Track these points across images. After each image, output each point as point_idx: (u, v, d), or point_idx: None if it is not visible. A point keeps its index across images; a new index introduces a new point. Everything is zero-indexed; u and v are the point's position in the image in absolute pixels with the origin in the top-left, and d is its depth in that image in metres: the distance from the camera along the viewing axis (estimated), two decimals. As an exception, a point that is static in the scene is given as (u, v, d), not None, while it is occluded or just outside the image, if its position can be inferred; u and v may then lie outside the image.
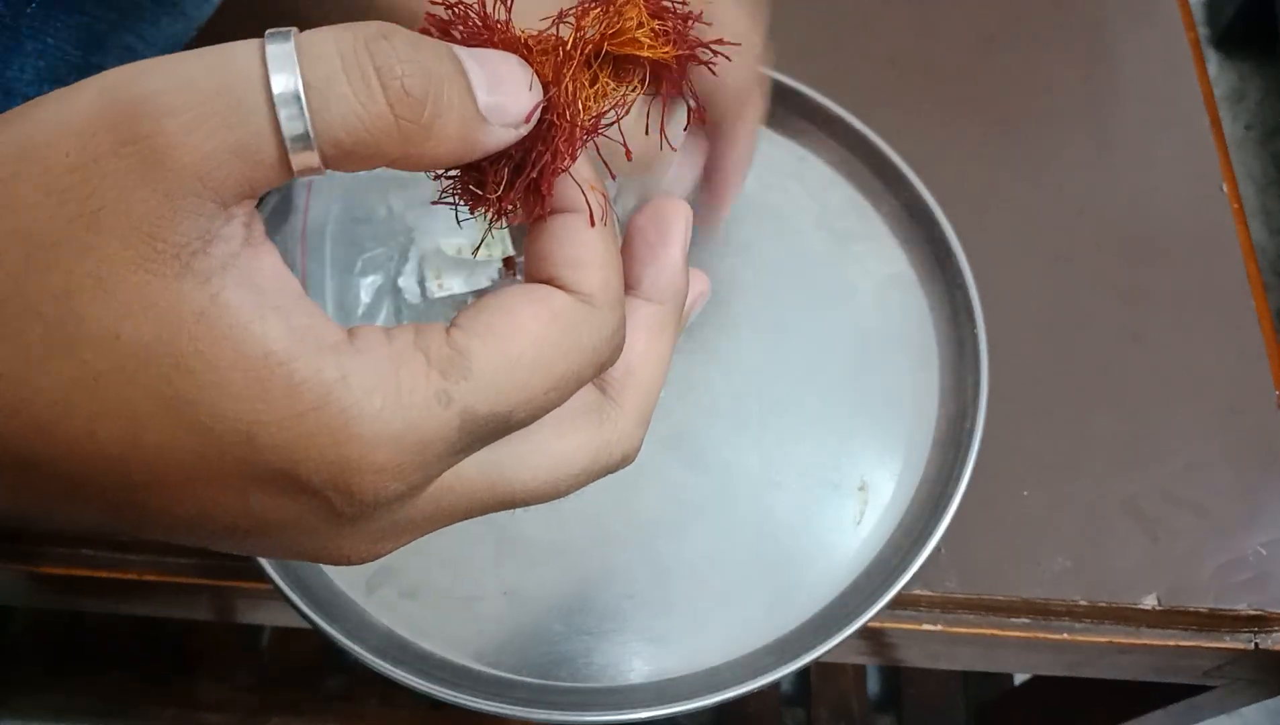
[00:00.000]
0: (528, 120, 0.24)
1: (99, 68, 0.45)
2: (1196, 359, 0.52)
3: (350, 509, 0.23)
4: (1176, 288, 0.54)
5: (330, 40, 0.22)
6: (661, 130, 0.28)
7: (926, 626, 0.46)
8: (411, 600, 0.45)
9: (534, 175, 0.25)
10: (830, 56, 0.61)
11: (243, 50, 0.22)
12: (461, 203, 0.26)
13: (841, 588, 0.45)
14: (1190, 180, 0.57)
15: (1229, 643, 0.46)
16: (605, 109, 0.26)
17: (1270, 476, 0.49)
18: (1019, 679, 0.90)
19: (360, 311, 0.51)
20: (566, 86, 0.25)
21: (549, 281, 0.25)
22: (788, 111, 0.56)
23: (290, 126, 0.21)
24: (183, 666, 0.93)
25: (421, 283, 0.51)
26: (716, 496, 0.47)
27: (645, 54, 0.26)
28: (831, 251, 0.53)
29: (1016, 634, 0.46)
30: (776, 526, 0.47)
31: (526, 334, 0.24)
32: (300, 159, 0.22)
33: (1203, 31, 1.66)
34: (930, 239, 0.52)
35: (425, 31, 0.25)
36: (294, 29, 0.22)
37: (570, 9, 0.26)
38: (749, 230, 0.54)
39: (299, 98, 0.21)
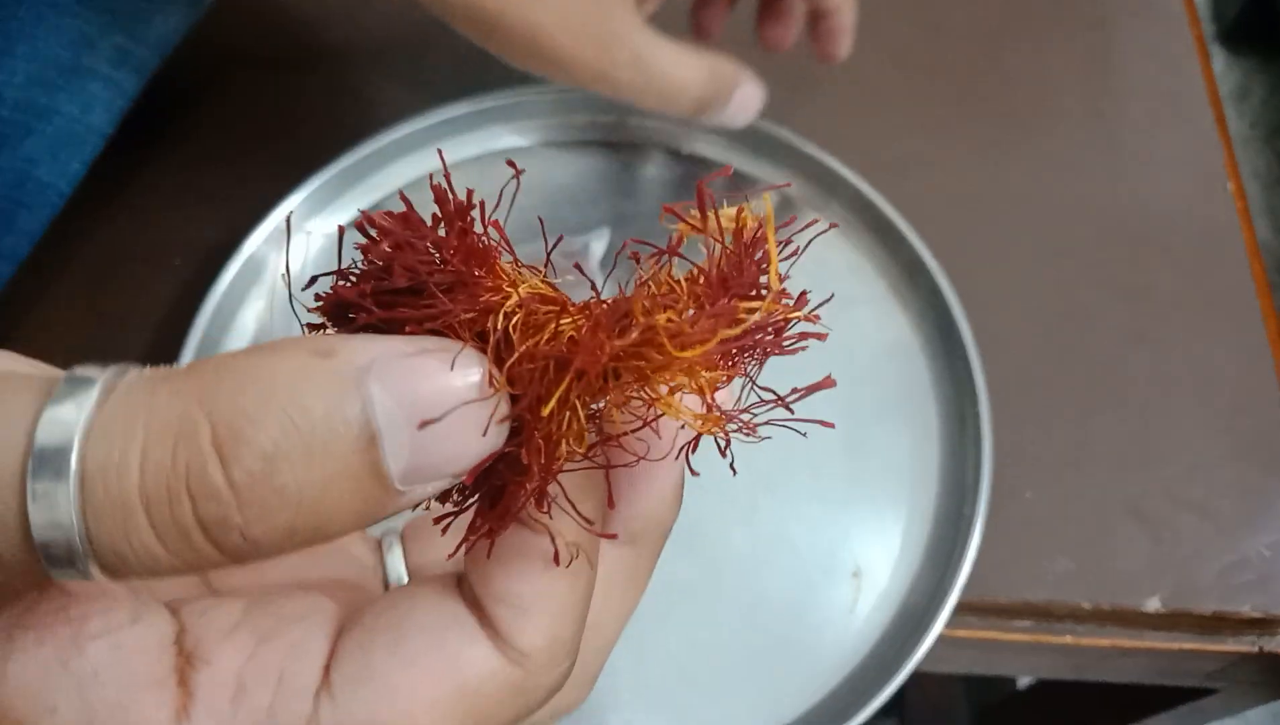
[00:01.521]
0: (471, 478, 0.17)
1: (90, 70, 0.45)
2: (1200, 359, 0.51)
3: None
4: (1180, 287, 0.53)
5: (135, 440, 0.15)
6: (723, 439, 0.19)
7: (927, 630, 0.46)
8: None
9: (477, 515, 0.19)
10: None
11: (2, 430, 0.16)
12: None
13: (834, 683, 0.43)
14: (1195, 178, 0.57)
15: (1232, 645, 0.46)
16: (596, 440, 0.19)
17: (1274, 477, 0.48)
18: (1022, 682, 0.90)
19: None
20: (545, 421, 0.17)
21: (480, 613, 0.19)
22: (787, 168, 0.54)
23: (51, 554, 0.16)
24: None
25: None
26: (703, 580, 0.44)
27: (686, 389, 0.18)
28: (828, 316, 0.51)
29: (1019, 637, 0.46)
30: (766, 614, 0.44)
31: (418, 719, 0.18)
32: (72, 580, 0.16)
33: (1208, 28, 1.66)
34: (932, 305, 0.50)
35: (360, 287, 0.18)
36: (97, 383, 0.16)
37: (573, 306, 0.18)
38: None
39: (70, 525, 0.15)
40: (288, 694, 0.18)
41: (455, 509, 0.19)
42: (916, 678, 0.42)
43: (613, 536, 0.21)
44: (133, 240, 0.52)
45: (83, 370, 0.16)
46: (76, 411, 0.16)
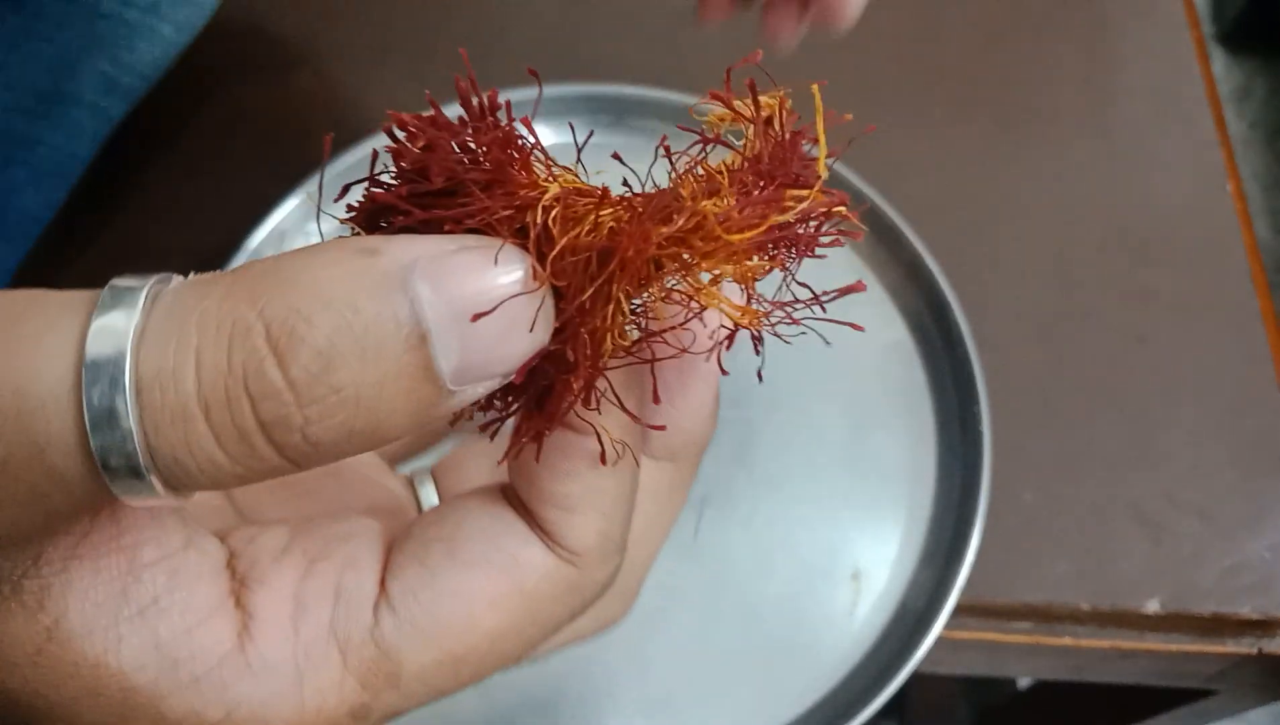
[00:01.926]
0: (520, 377, 0.17)
1: (73, 95, 0.44)
2: (1200, 360, 0.51)
3: None
4: (1180, 288, 0.53)
5: (189, 344, 0.15)
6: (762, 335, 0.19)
7: (927, 631, 0.46)
8: None
9: (523, 420, 0.19)
10: (832, 54, 0.61)
11: (52, 342, 0.15)
12: None
13: (833, 684, 0.43)
14: (1194, 179, 0.57)
15: (1232, 647, 0.46)
16: (643, 336, 0.19)
17: (1274, 479, 0.48)
18: (1022, 683, 0.90)
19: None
20: (589, 311, 0.17)
21: (530, 517, 0.19)
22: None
23: (111, 467, 0.15)
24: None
25: None
26: (702, 582, 0.44)
27: (729, 277, 0.18)
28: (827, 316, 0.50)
29: (1019, 639, 0.46)
30: (766, 616, 0.44)
31: (480, 628, 0.18)
32: (134, 498, 0.16)
33: (1208, 29, 1.66)
34: (932, 306, 0.50)
35: (394, 186, 0.17)
36: (141, 297, 0.16)
37: (612, 200, 0.17)
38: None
39: (129, 436, 0.15)
40: (347, 607, 0.18)
41: (501, 414, 0.19)
42: (916, 679, 0.42)
43: (661, 427, 0.20)
44: (132, 242, 0.52)
45: (123, 281, 0.16)
46: (126, 320, 0.15)
